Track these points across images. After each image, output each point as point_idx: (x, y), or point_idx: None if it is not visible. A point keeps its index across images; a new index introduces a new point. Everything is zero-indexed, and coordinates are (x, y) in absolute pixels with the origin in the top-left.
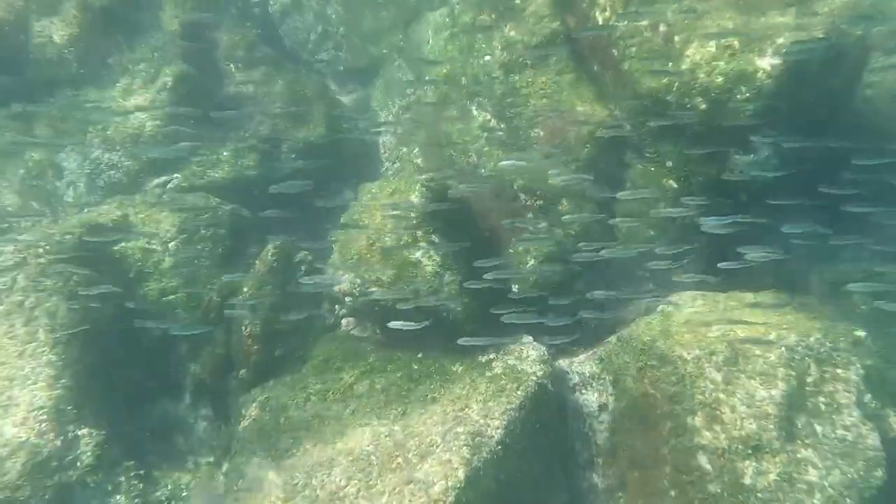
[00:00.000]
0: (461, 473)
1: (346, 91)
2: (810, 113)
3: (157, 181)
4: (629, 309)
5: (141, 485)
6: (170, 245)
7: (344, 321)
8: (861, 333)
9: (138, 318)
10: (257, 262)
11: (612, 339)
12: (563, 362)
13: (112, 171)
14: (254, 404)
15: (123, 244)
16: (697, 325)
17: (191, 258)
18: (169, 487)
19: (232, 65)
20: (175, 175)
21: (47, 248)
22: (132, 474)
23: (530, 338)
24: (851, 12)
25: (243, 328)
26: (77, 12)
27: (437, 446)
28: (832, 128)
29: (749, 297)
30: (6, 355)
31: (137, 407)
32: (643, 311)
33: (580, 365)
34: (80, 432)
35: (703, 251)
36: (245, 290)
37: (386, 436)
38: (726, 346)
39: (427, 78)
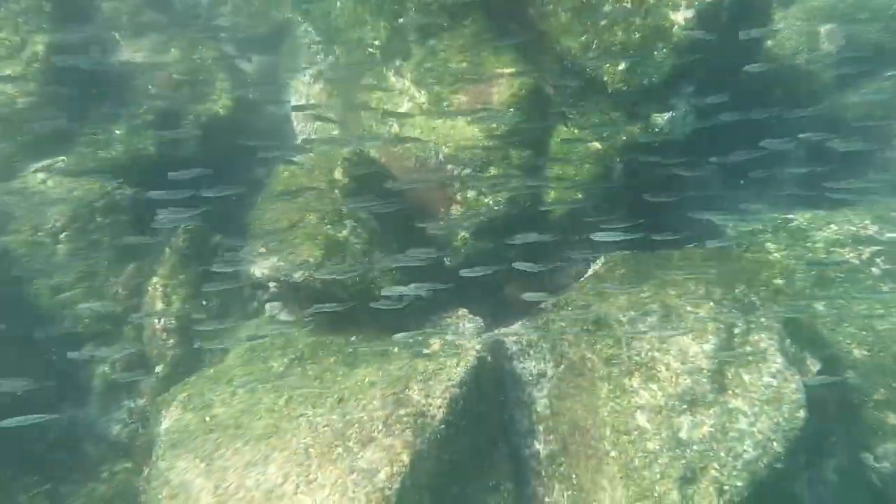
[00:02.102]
0: (406, 458)
1: (249, 59)
2: (722, 66)
3: (37, 165)
4: (561, 274)
5: (48, 502)
6: (60, 236)
7: (268, 306)
8: (780, 281)
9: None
10: (167, 248)
11: (548, 305)
12: (499, 332)
13: None
14: (174, 403)
15: (4, 238)
16: (629, 286)
17: (87, 249)
18: (81, 501)
19: (116, 33)
20: (60, 158)
21: None
22: (34, 493)
23: (465, 310)
24: None
25: (156, 322)
26: None
27: (379, 432)
28: (742, 82)
29: (675, 254)
30: None
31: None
32: (574, 275)
33: (517, 334)
34: None
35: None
36: (155, 280)
37: (324, 426)
38: (659, 306)
39: (338, 43)
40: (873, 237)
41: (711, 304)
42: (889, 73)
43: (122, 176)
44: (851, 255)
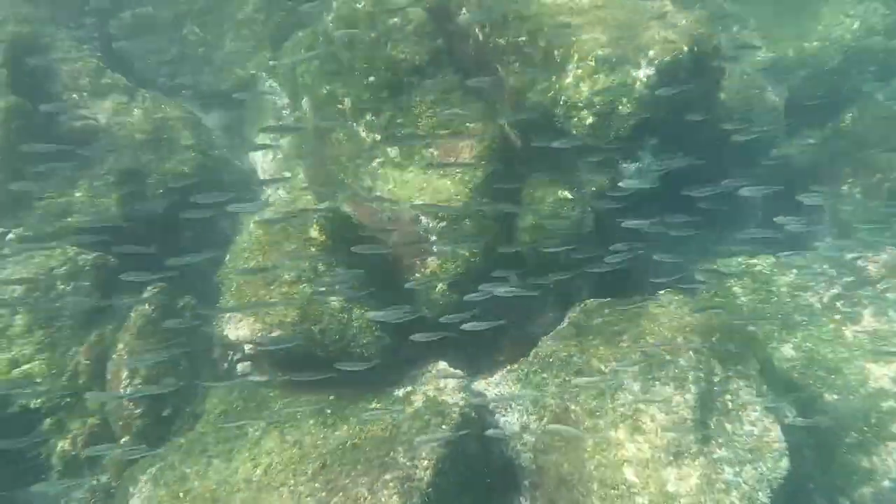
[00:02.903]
0: None
1: (212, 116)
2: (681, 118)
3: None
4: (536, 323)
5: None
6: (18, 307)
7: (239, 367)
8: (752, 328)
9: None
10: (132, 314)
11: (528, 356)
12: (479, 384)
13: None
14: (143, 478)
15: None
16: (609, 335)
17: (47, 319)
18: None
19: (75, 94)
20: (12, 229)
21: None
22: None
23: (444, 363)
24: (706, 23)
25: (122, 391)
26: None
27: (366, 500)
28: (702, 131)
29: (650, 302)
30: None
31: None
32: (550, 323)
33: (497, 386)
34: None
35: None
36: (120, 346)
37: (307, 495)
38: (640, 355)
39: (304, 99)
40: (832, 281)
41: (691, 353)
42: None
43: (84, 240)
44: (813, 298)
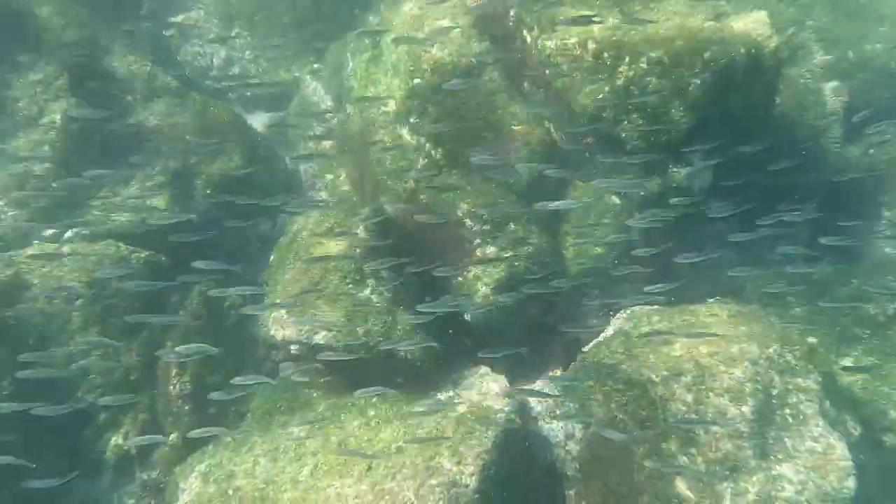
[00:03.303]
0: None
1: (258, 118)
2: (736, 122)
3: (50, 232)
4: (579, 328)
5: None
6: (76, 303)
7: (282, 366)
8: (813, 340)
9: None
10: (181, 312)
11: (574, 364)
12: (522, 389)
13: None
14: (194, 474)
15: (19, 307)
16: (659, 343)
17: (102, 316)
18: None
19: (130, 96)
20: (75, 222)
21: None
22: None
23: (487, 368)
24: (762, 25)
25: (171, 388)
26: None
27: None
28: (755, 135)
29: (702, 310)
30: None
31: (49, 498)
32: (596, 330)
33: (541, 393)
34: None
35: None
36: (170, 344)
37: (353, 498)
38: (693, 365)
39: (349, 101)
40: None
41: (747, 363)
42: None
43: (136, 239)
44: (876, 310)
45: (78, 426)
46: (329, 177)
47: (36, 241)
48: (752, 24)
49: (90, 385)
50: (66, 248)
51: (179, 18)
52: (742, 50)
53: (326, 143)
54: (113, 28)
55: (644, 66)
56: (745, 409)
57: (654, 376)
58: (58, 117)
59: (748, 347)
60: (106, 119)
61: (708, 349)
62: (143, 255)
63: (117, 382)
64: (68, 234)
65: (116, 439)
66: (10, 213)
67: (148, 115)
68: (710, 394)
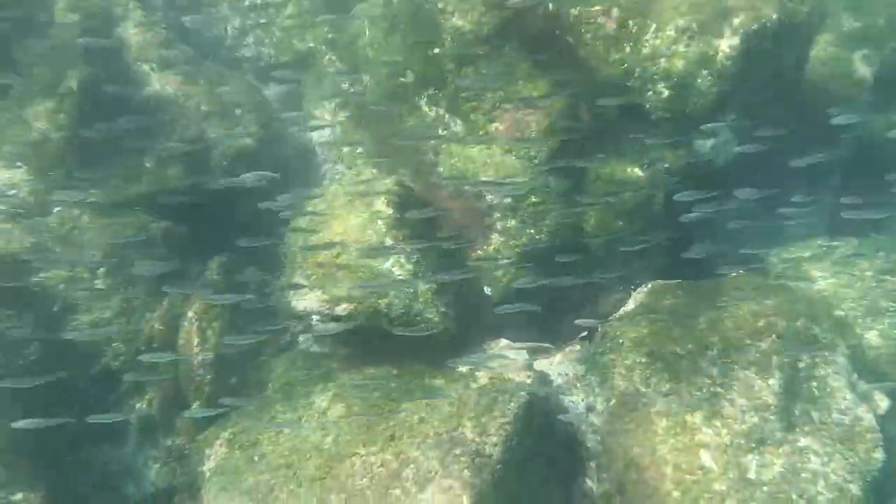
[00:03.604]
0: (465, 500)
1: (271, 88)
2: (765, 92)
3: (71, 199)
4: (599, 302)
5: None
6: (98, 271)
7: (301, 338)
8: (840, 313)
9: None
10: (200, 281)
11: (595, 336)
12: (541, 363)
13: (13, 192)
14: (218, 441)
15: (44, 275)
16: (683, 317)
17: (124, 284)
18: None
19: (146, 65)
20: (91, 191)
21: None
22: None
23: (507, 341)
24: None
25: (193, 356)
26: None
27: (437, 472)
28: (784, 105)
29: (725, 283)
30: None
31: (76, 458)
32: (614, 303)
33: (560, 365)
34: (14, 498)
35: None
36: (190, 314)
37: (378, 465)
38: (719, 339)
39: (366, 72)
40: None
41: (774, 336)
42: None
43: (153, 208)
44: None
45: (103, 392)
46: (345, 149)
47: (56, 209)
48: None
49: (114, 352)
50: (85, 217)
51: None
52: (774, 16)
53: (342, 114)
54: None
55: (671, 33)
56: (771, 381)
57: (678, 349)
58: (74, 84)
59: (774, 320)
60: (123, 86)
61: (734, 323)
62: (161, 226)
63: (139, 350)
64: (88, 201)
65: (140, 405)
66: (28, 180)
67: (164, 85)
68: (736, 366)
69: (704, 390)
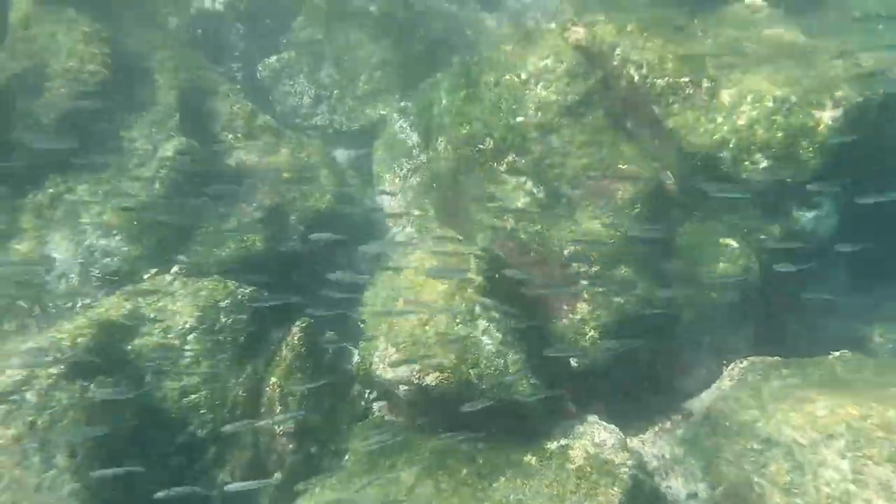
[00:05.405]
0: None
1: (341, 154)
2: (869, 163)
3: (165, 266)
4: (689, 380)
5: None
6: (188, 337)
7: (376, 406)
8: None
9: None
10: (283, 347)
11: (695, 417)
12: (633, 443)
13: (108, 259)
14: None
15: (138, 341)
16: (798, 399)
17: (212, 350)
18: None
19: (231, 135)
20: (180, 257)
21: (58, 356)
22: None
23: (596, 417)
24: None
25: (276, 426)
26: (66, 90)
27: None
28: (888, 176)
29: (831, 362)
30: (23, 490)
31: None
32: (705, 376)
33: (654, 446)
34: None
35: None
36: (273, 380)
37: None
38: (845, 428)
39: (439, 139)
40: None
41: None
42: None
43: (234, 273)
44: None
45: (188, 461)
46: (416, 212)
47: (146, 276)
48: (884, 61)
49: (201, 420)
50: (176, 283)
51: (273, 60)
52: (879, 89)
53: (414, 180)
54: (214, 70)
55: (770, 104)
56: None
57: (800, 437)
58: (170, 154)
59: None
60: (214, 154)
61: (859, 411)
62: (247, 291)
63: (224, 418)
64: (174, 268)
65: (223, 476)
66: (123, 249)
67: (248, 154)
68: (870, 462)
69: (833, 486)
